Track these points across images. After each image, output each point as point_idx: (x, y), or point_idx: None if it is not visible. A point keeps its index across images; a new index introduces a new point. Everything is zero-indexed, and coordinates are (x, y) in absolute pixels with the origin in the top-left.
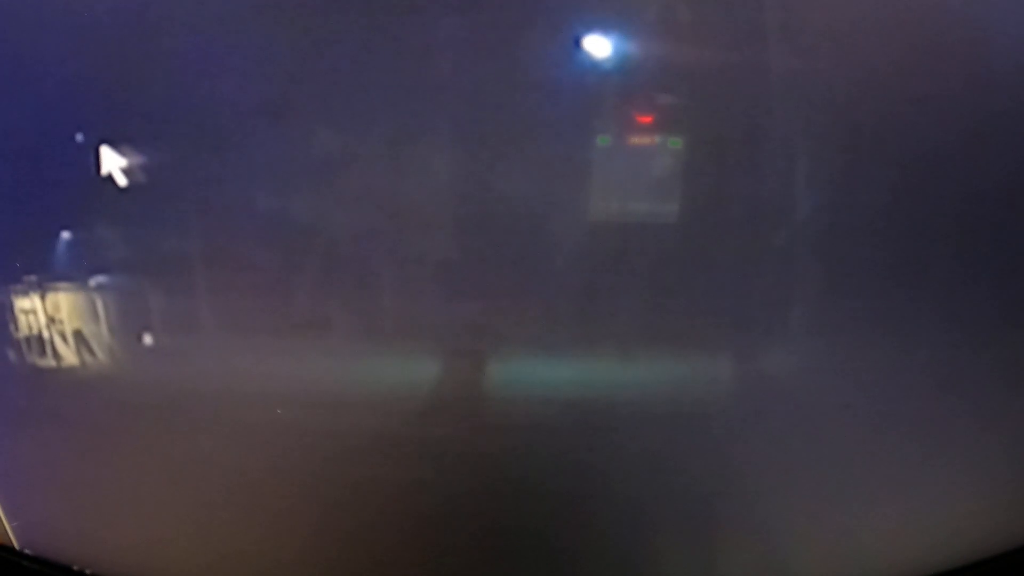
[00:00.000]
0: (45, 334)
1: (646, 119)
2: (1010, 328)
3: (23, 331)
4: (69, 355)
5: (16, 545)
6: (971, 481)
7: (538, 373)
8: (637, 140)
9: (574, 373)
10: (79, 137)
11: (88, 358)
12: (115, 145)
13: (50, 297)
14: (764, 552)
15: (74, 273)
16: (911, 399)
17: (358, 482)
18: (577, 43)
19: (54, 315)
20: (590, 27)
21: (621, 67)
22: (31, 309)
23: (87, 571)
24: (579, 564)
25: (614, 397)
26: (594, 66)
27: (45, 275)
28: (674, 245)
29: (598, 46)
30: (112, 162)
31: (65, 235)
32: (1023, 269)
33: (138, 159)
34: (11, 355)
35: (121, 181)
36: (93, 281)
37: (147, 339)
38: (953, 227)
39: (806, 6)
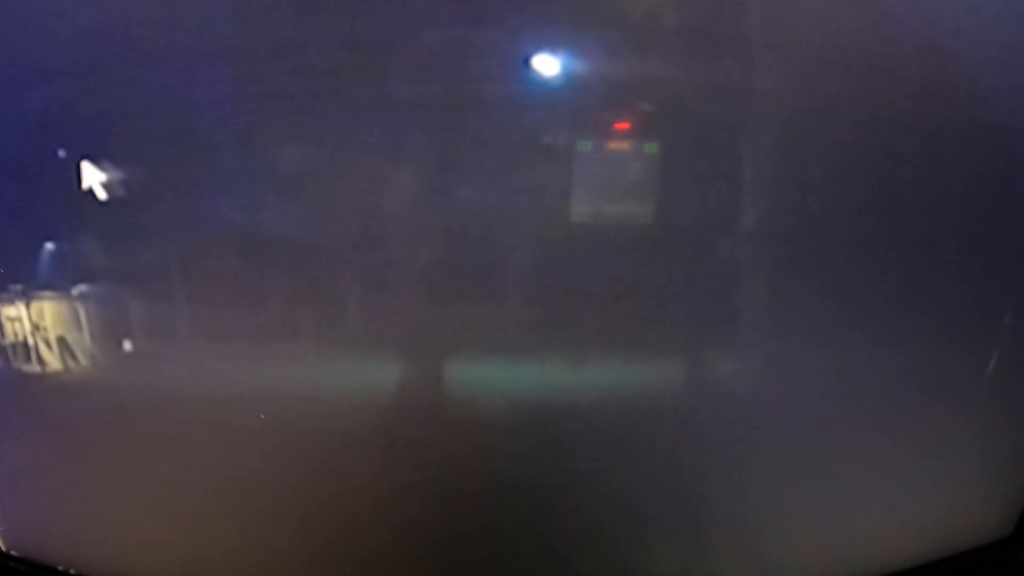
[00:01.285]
0: (30, 341)
1: (620, 126)
2: (980, 326)
3: (8, 338)
4: (53, 361)
5: (2, 547)
6: (943, 477)
7: (508, 375)
8: (607, 148)
9: (543, 375)
10: (61, 153)
11: (72, 364)
12: (95, 161)
13: (34, 305)
14: (732, 545)
15: (58, 282)
16: (869, 399)
17: (337, 483)
18: (533, 55)
19: (38, 322)
20: (547, 38)
21: (585, 76)
22: (16, 317)
23: (72, 571)
24: (550, 559)
25: (580, 398)
26: (556, 75)
27: (30, 284)
28: (635, 250)
29: (557, 57)
30: (93, 177)
31: (49, 246)
32: (993, 268)
33: (117, 174)
34: None
35: (101, 195)
36: (76, 290)
37: (128, 345)
38: (921, 228)
39: (777, 17)
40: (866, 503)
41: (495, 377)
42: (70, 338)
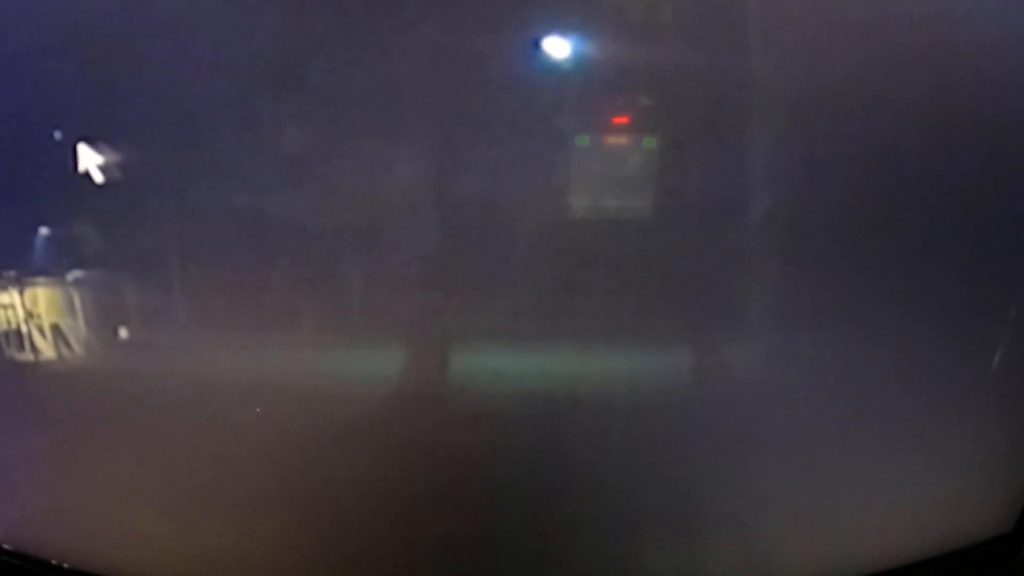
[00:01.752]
0: (23, 328)
1: (620, 119)
2: (981, 320)
3: (1, 326)
4: (47, 349)
5: None
6: (944, 472)
7: (508, 367)
8: (611, 139)
9: (544, 367)
10: (57, 135)
11: (66, 352)
12: (92, 143)
13: (28, 292)
14: (734, 540)
15: (52, 268)
16: (869, 393)
17: (333, 475)
18: (541, 43)
19: (32, 310)
20: (555, 27)
21: (589, 67)
22: (9, 304)
23: (65, 565)
24: (553, 552)
25: (582, 391)
26: (562, 66)
27: (24, 270)
28: (640, 241)
29: (561, 46)
30: (89, 160)
31: (43, 231)
32: (995, 263)
33: (114, 157)
34: None
35: (98, 178)
36: (71, 276)
37: (124, 334)
38: (915, 226)
39: (777, 11)
40: (867, 499)
41: (497, 369)
42: (64, 326)
